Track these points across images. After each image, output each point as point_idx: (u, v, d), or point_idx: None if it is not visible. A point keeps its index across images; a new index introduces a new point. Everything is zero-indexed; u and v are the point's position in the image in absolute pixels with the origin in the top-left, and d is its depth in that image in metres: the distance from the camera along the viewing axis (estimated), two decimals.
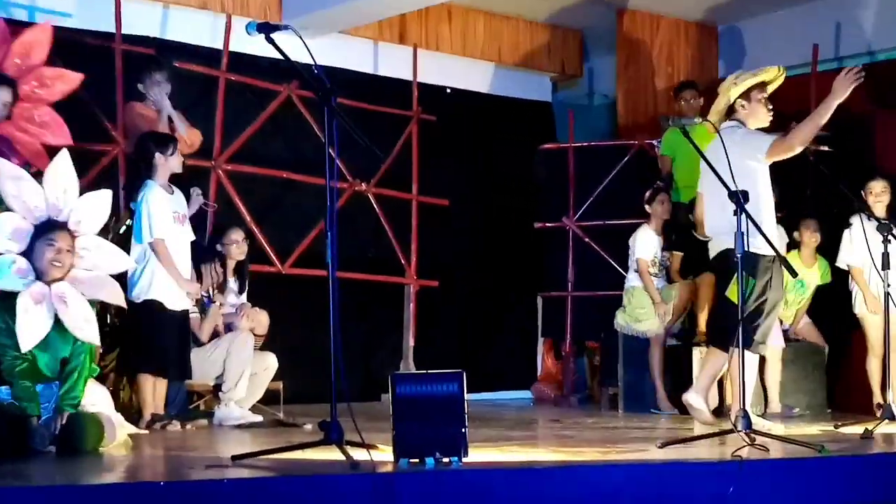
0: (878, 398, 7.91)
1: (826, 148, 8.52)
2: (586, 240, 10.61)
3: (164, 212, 7.11)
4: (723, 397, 8.02)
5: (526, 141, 11.06)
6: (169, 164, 7.21)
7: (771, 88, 6.91)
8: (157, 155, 7.16)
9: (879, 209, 7.95)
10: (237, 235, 8.01)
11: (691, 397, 6.94)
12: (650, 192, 8.95)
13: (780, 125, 7.09)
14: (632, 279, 8.90)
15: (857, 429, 6.47)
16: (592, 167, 10.72)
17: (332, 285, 4.93)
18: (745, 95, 6.77)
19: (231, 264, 7.97)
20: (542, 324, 11.23)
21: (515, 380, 10.96)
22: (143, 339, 7.08)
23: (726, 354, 6.59)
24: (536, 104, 11.47)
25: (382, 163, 9.56)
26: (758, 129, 6.87)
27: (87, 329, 5.68)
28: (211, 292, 7.67)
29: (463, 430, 4.68)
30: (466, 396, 4.74)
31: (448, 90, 10.79)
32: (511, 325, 11.00)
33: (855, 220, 8.02)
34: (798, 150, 6.57)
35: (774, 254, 6.42)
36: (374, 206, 9.87)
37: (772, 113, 6.85)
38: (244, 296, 8.04)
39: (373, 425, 5.64)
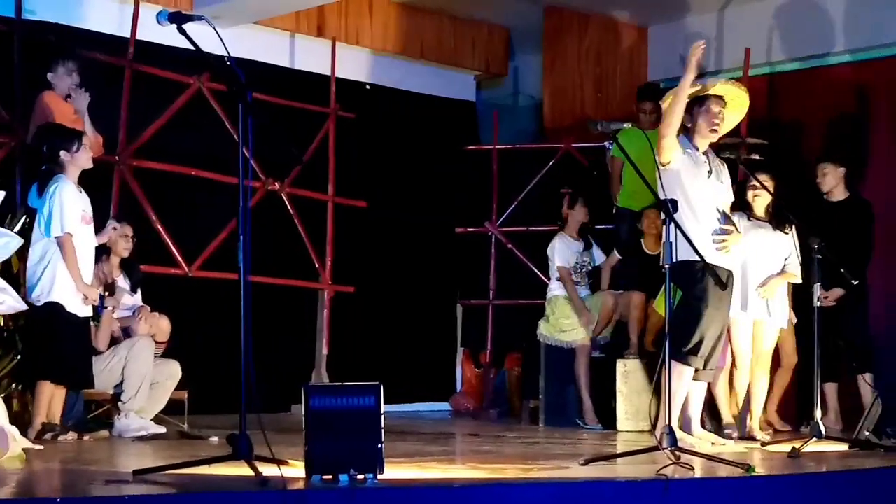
0: (727, 419, 7.71)
1: (757, 156, 8.64)
2: (509, 246, 10.65)
3: (75, 208, 7.00)
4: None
5: (448, 141, 11.08)
6: (77, 161, 7.10)
7: (733, 109, 6.98)
8: (63, 152, 7.04)
9: (759, 204, 7.77)
10: (125, 230, 7.90)
11: (688, 436, 6.92)
12: (569, 197, 8.97)
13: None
14: (554, 288, 8.94)
15: (785, 447, 6.55)
16: (517, 170, 10.78)
17: (243, 290, 4.88)
18: (688, 109, 6.86)
19: (115, 261, 7.84)
20: (462, 333, 11.26)
21: (433, 391, 10.96)
22: (44, 344, 6.95)
23: (685, 367, 6.68)
24: (459, 103, 11.50)
25: (299, 163, 9.51)
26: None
27: (6, 299, 5.48)
28: (103, 294, 7.56)
29: (379, 445, 4.65)
30: (382, 409, 4.73)
31: (367, 86, 10.78)
32: (429, 334, 11.02)
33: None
34: (668, 134, 6.64)
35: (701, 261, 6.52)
36: (288, 206, 9.81)
37: (716, 128, 6.91)
38: (138, 295, 7.94)
39: (283, 439, 5.60)
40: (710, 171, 6.91)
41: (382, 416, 4.71)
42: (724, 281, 6.66)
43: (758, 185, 7.61)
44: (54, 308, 6.93)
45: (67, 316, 6.97)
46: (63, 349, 6.97)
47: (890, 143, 9.72)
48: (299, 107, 9.95)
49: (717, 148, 7.43)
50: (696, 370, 6.85)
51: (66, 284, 6.95)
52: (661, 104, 6.96)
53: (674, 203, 5.96)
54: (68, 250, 6.93)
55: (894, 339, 9.02)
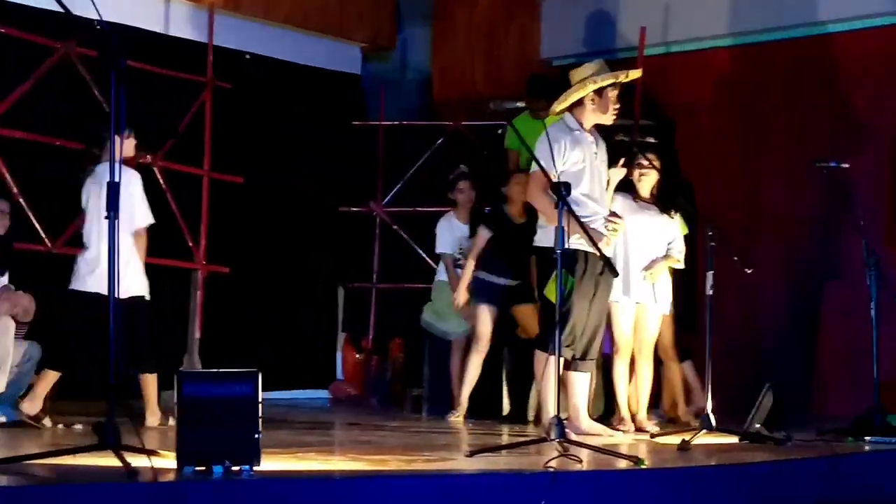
0: (625, 412, 7.64)
1: (651, 139, 8.77)
2: (394, 227, 10.65)
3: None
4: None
5: (332, 116, 11.04)
6: (124, 147, 7.02)
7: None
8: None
9: (645, 185, 7.74)
10: (2, 206, 7.76)
11: (581, 427, 7.02)
12: (451, 176, 8.98)
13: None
14: (440, 272, 8.97)
15: (675, 439, 6.67)
16: (404, 148, 10.78)
17: (111, 269, 4.84)
18: (599, 91, 7.00)
19: None
20: (343, 317, 11.25)
21: (312, 378, 10.95)
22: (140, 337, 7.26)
23: (552, 358, 6.74)
24: (344, 76, 11.46)
25: (173, 135, 9.41)
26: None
27: None
28: None
29: (256, 435, 4.63)
30: (260, 396, 4.71)
31: (247, 56, 10.69)
32: (309, 318, 11.00)
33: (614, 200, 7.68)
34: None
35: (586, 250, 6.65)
36: (161, 181, 9.69)
37: (617, 111, 7.10)
38: (6, 277, 7.79)
39: (153, 427, 5.56)
40: (595, 153, 7.06)
41: (260, 405, 4.69)
42: (614, 268, 6.78)
43: (645, 163, 7.67)
44: (142, 301, 7.27)
45: (145, 304, 7.33)
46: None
47: (786, 128, 9.98)
48: (174, 75, 9.82)
49: (611, 129, 7.56)
50: (576, 361, 6.96)
51: (143, 276, 7.29)
52: (570, 77, 7.09)
53: (567, 186, 6.00)
54: (146, 241, 7.25)
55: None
